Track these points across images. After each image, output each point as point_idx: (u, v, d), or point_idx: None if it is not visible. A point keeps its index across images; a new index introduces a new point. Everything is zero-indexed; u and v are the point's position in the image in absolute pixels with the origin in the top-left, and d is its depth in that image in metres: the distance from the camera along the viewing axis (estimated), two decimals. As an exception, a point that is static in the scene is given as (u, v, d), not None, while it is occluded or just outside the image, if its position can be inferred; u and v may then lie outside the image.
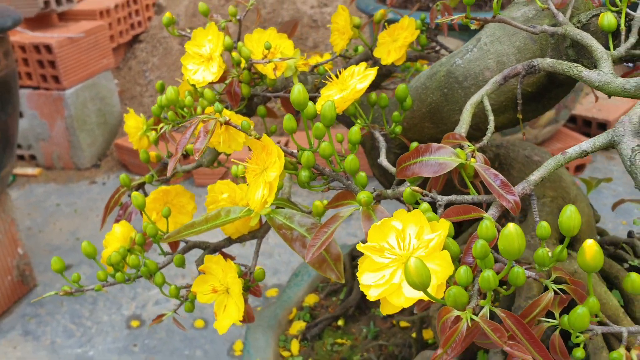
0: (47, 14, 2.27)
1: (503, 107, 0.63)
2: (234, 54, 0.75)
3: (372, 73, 0.62)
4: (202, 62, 0.75)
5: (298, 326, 1.03)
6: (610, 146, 0.47)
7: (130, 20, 2.66)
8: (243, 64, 0.75)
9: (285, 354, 0.98)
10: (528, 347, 0.39)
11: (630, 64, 0.56)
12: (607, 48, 0.55)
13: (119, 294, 1.66)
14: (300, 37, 2.46)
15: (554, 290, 0.44)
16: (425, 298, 0.38)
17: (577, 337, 0.40)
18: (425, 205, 0.46)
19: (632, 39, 0.53)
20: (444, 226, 0.41)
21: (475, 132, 0.67)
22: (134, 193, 0.72)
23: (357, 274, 0.43)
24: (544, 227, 0.42)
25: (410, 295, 0.40)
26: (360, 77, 0.62)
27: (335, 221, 0.53)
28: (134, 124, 0.88)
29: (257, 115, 0.80)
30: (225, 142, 0.76)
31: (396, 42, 0.80)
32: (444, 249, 0.42)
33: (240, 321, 0.69)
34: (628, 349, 0.39)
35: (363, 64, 0.64)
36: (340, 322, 1.01)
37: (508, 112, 0.64)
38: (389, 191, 0.54)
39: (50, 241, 1.92)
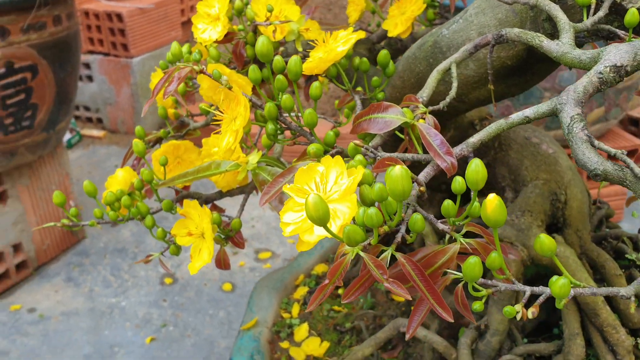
0: (122, -15, 2.38)
1: (484, 79, 0.63)
2: (245, 12, 0.78)
3: (354, 37, 0.64)
4: (211, 21, 0.79)
5: (302, 291, 1.06)
6: (553, 114, 0.48)
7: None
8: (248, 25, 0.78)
9: (286, 315, 1.02)
10: (424, 292, 0.40)
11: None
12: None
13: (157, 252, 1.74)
14: (363, 21, 2.46)
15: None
16: (329, 235, 0.40)
17: (478, 290, 0.41)
18: (359, 157, 0.47)
19: (601, 13, 0.52)
20: (358, 173, 0.42)
21: (459, 104, 0.68)
22: (135, 140, 0.77)
23: (280, 212, 0.45)
24: (458, 182, 0.42)
25: (319, 233, 0.42)
26: (343, 41, 0.64)
27: (290, 172, 0.56)
28: (158, 81, 0.93)
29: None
30: (226, 101, 0.79)
31: (404, 14, 0.81)
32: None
33: (218, 267, 0.73)
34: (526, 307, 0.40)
35: (350, 29, 0.66)
36: (340, 291, 1.03)
37: (496, 84, 0.64)
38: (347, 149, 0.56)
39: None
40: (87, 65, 2.40)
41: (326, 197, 0.43)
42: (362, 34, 0.95)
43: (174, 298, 1.56)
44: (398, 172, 0.37)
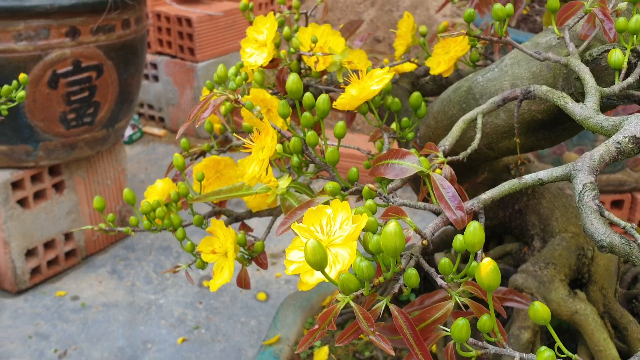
0: (195, -9, 2.46)
1: (514, 130, 0.63)
2: (291, 41, 0.81)
3: (388, 77, 0.65)
4: (258, 47, 0.81)
5: (327, 313, 1.08)
6: (567, 179, 0.48)
7: (271, 6, 2.80)
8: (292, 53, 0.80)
9: (308, 335, 1.03)
10: (414, 347, 0.41)
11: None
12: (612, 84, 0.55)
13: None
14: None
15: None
16: (326, 280, 0.42)
17: (467, 350, 0.41)
18: (369, 202, 0.49)
19: (630, 79, 0.52)
20: (362, 221, 0.44)
21: (488, 151, 0.68)
22: (176, 154, 0.80)
23: (287, 249, 0.47)
24: (459, 240, 0.43)
25: (318, 277, 0.43)
26: (377, 80, 0.66)
27: (309, 205, 0.57)
28: (209, 85, 0.96)
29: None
30: (258, 129, 0.82)
31: (447, 54, 0.82)
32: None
33: (239, 286, 0.76)
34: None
35: (386, 68, 0.67)
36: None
37: (520, 137, 0.64)
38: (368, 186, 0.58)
39: (156, 196, 2.10)
40: (154, 66, 2.48)
41: (330, 241, 0.44)
42: (410, 66, 0.97)
43: (209, 301, 1.59)
44: (391, 229, 0.38)
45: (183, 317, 1.54)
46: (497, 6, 0.53)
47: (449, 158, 0.54)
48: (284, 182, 0.71)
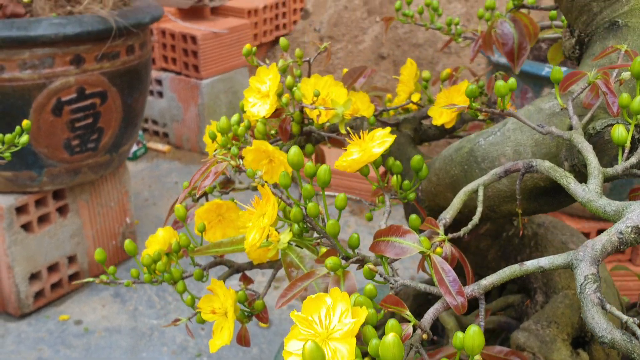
0: (200, 8, 2.46)
1: (516, 196, 0.63)
2: (293, 93, 0.81)
3: (390, 140, 0.65)
4: (261, 97, 0.81)
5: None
6: (568, 267, 0.47)
7: (276, 21, 2.80)
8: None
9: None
10: None
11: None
12: (616, 161, 0.54)
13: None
14: (430, 62, 2.46)
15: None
16: (324, 376, 0.41)
17: None
18: (369, 287, 0.48)
19: (634, 159, 0.51)
20: (361, 316, 0.43)
21: (491, 213, 0.68)
22: (177, 205, 0.80)
23: (285, 339, 0.47)
24: (458, 338, 0.43)
25: (317, 373, 0.43)
26: (378, 142, 0.65)
27: (309, 277, 0.57)
28: (211, 135, 0.96)
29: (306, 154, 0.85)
30: (268, 173, 0.82)
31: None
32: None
33: (238, 344, 0.76)
34: None
35: (388, 129, 0.67)
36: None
37: (521, 201, 0.64)
38: (370, 257, 0.57)
39: (159, 215, 2.10)
40: (159, 82, 2.49)
41: (328, 334, 0.44)
42: (412, 107, 0.96)
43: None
44: (390, 340, 0.38)
45: (185, 344, 1.53)
46: (500, 83, 0.53)
47: (450, 235, 0.54)
48: (286, 236, 0.71)
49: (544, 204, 0.64)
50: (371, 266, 0.51)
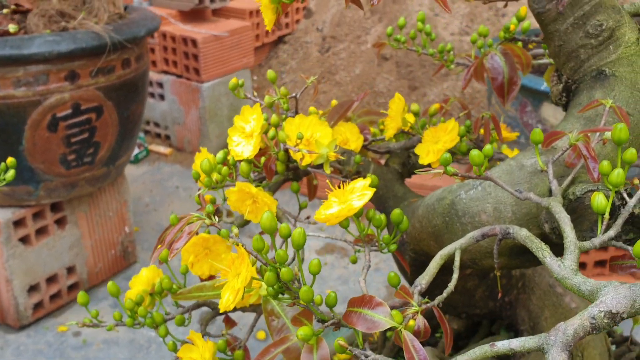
0: (201, 10, 2.45)
1: (498, 251, 0.62)
2: (277, 134, 0.80)
3: (369, 194, 0.64)
4: (245, 137, 0.80)
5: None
6: (539, 350, 0.46)
7: (278, 21, 2.78)
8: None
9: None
10: None
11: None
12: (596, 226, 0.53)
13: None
14: (432, 63, 2.44)
15: None
16: None
17: None
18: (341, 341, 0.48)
19: (612, 232, 0.50)
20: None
21: (473, 265, 0.67)
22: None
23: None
24: None
25: None
26: (358, 195, 0.64)
27: (282, 343, 0.57)
28: (201, 161, 0.95)
29: (292, 190, 0.84)
30: (252, 213, 0.81)
31: (437, 144, 0.80)
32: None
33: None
34: None
35: (368, 180, 0.65)
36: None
37: (502, 257, 0.63)
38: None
39: (160, 221, 2.11)
40: (160, 85, 2.48)
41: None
42: (401, 137, 0.95)
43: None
44: None
45: (183, 358, 1.54)
46: (474, 152, 0.52)
47: (424, 306, 0.53)
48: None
49: (525, 260, 0.63)
50: (342, 342, 0.50)
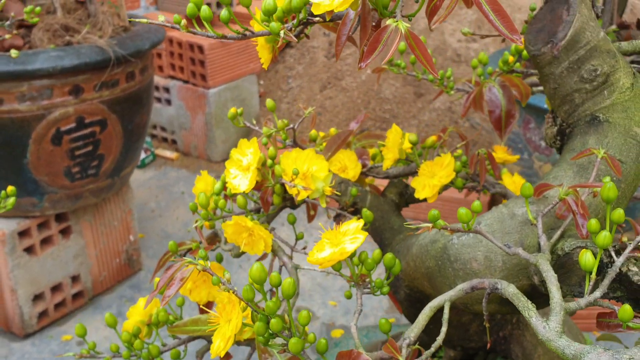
0: (207, 15, 2.44)
1: (487, 300, 0.62)
2: (274, 167, 0.80)
3: (362, 237, 0.64)
4: (242, 170, 0.81)
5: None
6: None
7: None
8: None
9: None
10: None
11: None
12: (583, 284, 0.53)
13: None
14: (440, 68, 2.43)
15: None
16: None
17: None
18: None
19: (598, 293, 0.50)
20: None
21: (465, 309, 0.67)
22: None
23: None
24: None
25: None
26: (351, 238, 0.65)
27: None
28: (202, 186, 0.96)
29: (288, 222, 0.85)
30: (248, 245, 0.82)
31: (432, 178, 0.80)
32: None
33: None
34: None
35: (361, 222, 0.66)
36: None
37: (492, 304, 0.63)
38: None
39: (165, 227, 2.12)
40: (167, 90, 2.49)
41: None
42: (401, 162, 0.95)
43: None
44: None
45: (184, 369, 1.55)
46: (462, 210, 0.52)
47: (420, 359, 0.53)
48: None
49: (514, 308, 0.63)
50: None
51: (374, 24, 0.50)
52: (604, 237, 0.49)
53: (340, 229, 0.67)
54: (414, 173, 0.93)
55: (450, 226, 0.55)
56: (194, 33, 0.63)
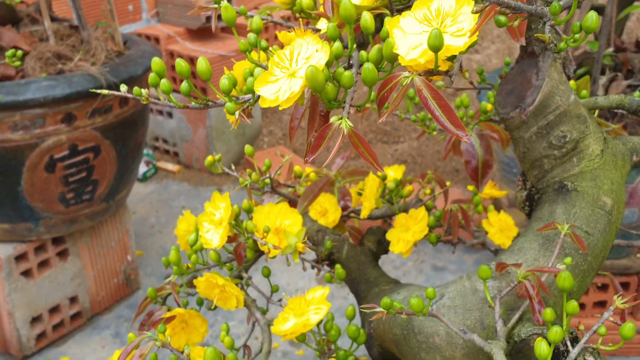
0: (209, 27, 2.45)
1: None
2: (247, 224, 0.80)
3: (325, 309, 0.64)
4: (214, 224, 0.80)
5: None
6: None
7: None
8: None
9: None
10: None
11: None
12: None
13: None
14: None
15: None
16: None
17: None
18: None
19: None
20: None
21: None
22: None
23: None
24: None
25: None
26: (315, 308, 0.64)
27: None
28: (185, 227, 0.96)
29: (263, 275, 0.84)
30: (221, 300, 0.81)
31: (407, 232, 0.79)
32: None
33: None
34: None
35: (327, 291, 0.65)
36: None
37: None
38: None
39: (164, 244, 2.12)
40: (168, 103, 2.49)
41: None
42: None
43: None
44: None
45: (179, 393, 1.56)
46: (413, 301, 0.51)
47: None
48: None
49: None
50: None
51: (322, 113, 0.49)
52: (555, 332, 0.48)
53: (305, 296, 0.66)
54: (393, 214, 0.92)
55: (406, 310, 0.54)
56: (156, 103, 0.63)
